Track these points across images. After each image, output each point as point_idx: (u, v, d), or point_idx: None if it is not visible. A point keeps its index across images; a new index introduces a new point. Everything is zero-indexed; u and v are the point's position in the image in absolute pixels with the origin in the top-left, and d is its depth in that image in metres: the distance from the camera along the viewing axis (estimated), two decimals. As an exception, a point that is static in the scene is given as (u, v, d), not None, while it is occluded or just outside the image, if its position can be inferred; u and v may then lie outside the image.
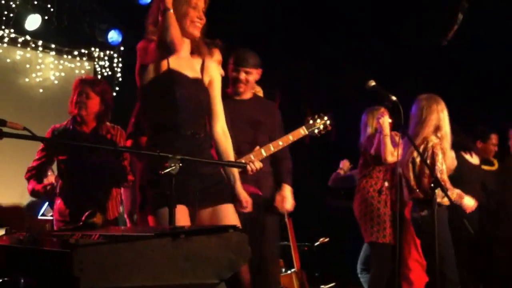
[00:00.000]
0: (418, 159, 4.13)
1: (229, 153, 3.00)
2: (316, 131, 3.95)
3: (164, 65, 2.84)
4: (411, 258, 4.62)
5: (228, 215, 2.84)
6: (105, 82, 4.51)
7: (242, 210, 3.06)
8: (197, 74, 2.92)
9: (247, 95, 3.94)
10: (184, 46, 2.90)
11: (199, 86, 2.90)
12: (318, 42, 6.66)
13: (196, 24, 2.86)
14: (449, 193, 3.73)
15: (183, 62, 2.89)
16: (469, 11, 6.02)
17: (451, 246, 4.08)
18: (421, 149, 4.06)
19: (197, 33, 2.88)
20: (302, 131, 3.90)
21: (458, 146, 4.80)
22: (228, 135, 3.02)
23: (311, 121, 3.95)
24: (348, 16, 6.61)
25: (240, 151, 3.59)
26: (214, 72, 3.00)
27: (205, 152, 2.89)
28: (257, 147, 3.67)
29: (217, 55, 3.55)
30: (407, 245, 4.74)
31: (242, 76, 3.83)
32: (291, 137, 3.84)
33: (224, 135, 2.99)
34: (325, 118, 3.99)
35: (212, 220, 2.81)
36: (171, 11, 2.78)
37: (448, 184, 4.07)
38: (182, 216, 2.72)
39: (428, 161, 4.01)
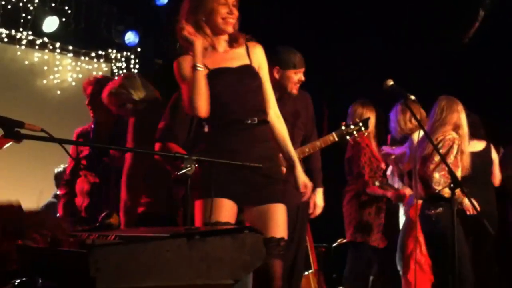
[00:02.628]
0: (436, 155, 4.03)
1: (285, 137, 2.92)
2: (348, 137, 3.80)
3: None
4: (411, 258, 4.53)
5: (276, 216, 2.75)
6: (105, 79, 4.31)
7: (304, 196, 2.98)
8: (244, 61, 2.86)
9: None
10: (221, 42, 2.85)
11: (247, 72, 2.84)
12: (316, 41, 6.61)
13: (228, 20, 2.80)
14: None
15: (222, 57, 2.84)
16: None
17: (465, 244, 4.04)
18: (438, 143, 3.98)
19: (230, 29, 2.82)
20: (332, 137, 3.76)
21: None
22: (282, 119, 2.94)
23: (343, 127, 3.80)
24: (349, 14, 6.55)
25: None
26: (261, 58, 2.92)
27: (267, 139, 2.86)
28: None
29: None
30: (409, 245, 4.66)
31: (301, 77, 3.69)
32: (318, 144, 3.72)
33: (278, 119, 2.92)
34: (360, 124, 3.86)
35: (259, 220, 2.72)
36: (201, 69, 2.71)
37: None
38: (223, 211, 2.68)
39: (442, 152, 3.91)
